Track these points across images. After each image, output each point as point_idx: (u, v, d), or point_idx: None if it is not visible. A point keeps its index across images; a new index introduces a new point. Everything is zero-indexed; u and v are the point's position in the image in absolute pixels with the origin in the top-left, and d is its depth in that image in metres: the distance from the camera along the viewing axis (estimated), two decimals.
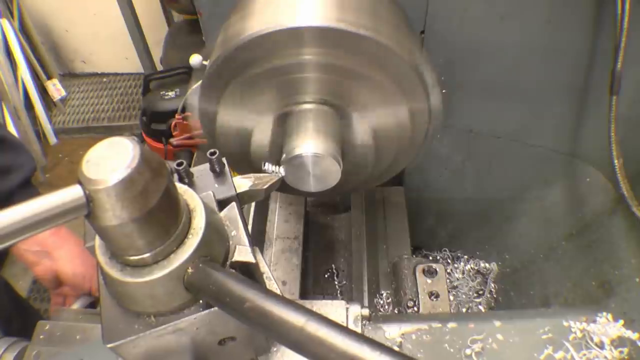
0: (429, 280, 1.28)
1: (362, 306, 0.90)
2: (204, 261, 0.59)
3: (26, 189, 1.34)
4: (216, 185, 0.80)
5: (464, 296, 1.78)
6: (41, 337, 0.94)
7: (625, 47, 1.14)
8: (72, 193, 0.49)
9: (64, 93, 4.41)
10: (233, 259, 0.64)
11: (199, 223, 0.61)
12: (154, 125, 2.99)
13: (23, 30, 4.07)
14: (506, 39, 1.28)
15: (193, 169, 0.81)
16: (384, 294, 1.38)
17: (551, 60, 1.32)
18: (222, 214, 0.71)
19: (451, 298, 1.74)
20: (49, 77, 4.35)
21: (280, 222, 1.47)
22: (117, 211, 0.50)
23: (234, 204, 0.74)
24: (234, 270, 0.63)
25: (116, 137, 0.53)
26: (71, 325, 0.97)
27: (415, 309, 1.25)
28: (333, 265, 1.51)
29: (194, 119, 1.12)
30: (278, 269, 1.35)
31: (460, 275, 1.83)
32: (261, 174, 0.87)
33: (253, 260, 0.64)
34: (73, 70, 4.76)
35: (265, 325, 0.50)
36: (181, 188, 0.64)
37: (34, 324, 0.97)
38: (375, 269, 1.43)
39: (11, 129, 3.78)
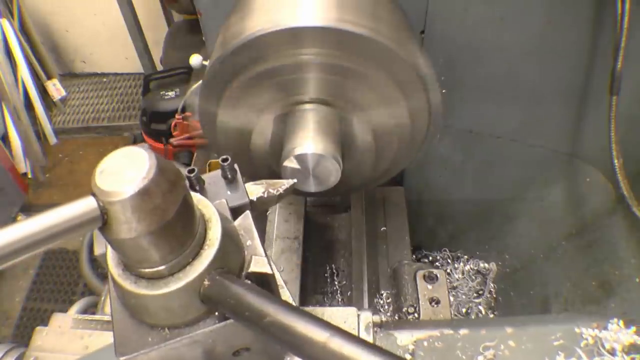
0: (429, 286, 1.28)
1: (374, 312, 0.89)
2: (221, 273, 0.57)
3: None
4: (229, 193, 0.78)
5: (463, 296, 1.78)
6: (39, 342, 0.94)
7: (625, 47, 1.14)
8: (85, 205, 0.47)
9: (64, 93, 4.41)
10: (250, 270, 0.62)
11: (215, 234, 0.59)
12: (154, 125, 2.98)
13: (23, 30, 4.07)
14: (506, 39, 1.28)
15: (204, 176, 0.79)
16: (384, 294, 1.38)
17: (551, 61, 1.32)
18: (236, 223, 0.69)
19: (451, 299, 1.74)
20: (49, 77, 4.35)
21: (280, 222, 1.47)
22: (133, 224, 0.48)
23: (248, 212, 0.72)
24: (250, 282, 0.61)
25: (131, 146, 0.51)
26: (68, 331, 0.97)
27: (416, 315, 1.24)
28: (333, 265, 1.51)
29: (194, 119, 1.12)
30: (278, 269, 1.35)
31: (460, 276, 1.83)
32: (272, 180, 0.85)
33: (270, 272, 0.62)
34: (73, 70, 4.75)
35: (287, 340, 0.49)
36: (195, 197, 0.62)
37: None
38: (375, 269, 1.43)
39: (11, 129, 3.78)
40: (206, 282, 0.57)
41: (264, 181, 0.84)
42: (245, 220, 0.70)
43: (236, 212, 0.72)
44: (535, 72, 1.36)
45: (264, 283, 0.63)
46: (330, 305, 1.41)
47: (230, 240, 0.62)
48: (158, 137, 2.96)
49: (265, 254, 0.67)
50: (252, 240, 0.68)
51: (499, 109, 1.47)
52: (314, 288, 1.47)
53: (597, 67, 1.29)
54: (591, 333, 0.81)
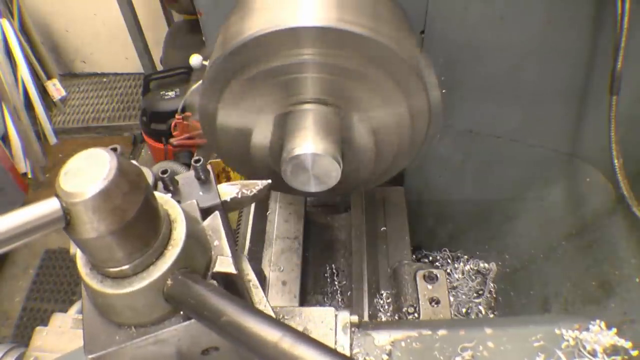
0: (429, 286, 1.28)
1: (351, 313, 0.89)
2: (184, 273, 0.59)
3: None
4: (201, 193, 0.79)
5: (463, 296, 1.78)
6: (39, 342, 0.94)
7: (625, 47, 1.14)
8: (49, 206, 0.49)
9: (64, 93, 4.41)
10: (214, 270, 0.64)
11: (179, 234, 0.60)
12: (154, 125, 2.99)
13: (23, 30, 4.07)
14: (506, 39, 1.28)
15: (178, 177, 0.81)
16: (384, 294, 1.38)
17: (551, 60, 1.32)
18: (205, 223, 0.71)
19: (451, 299, 1.74)
20: (49, 77, 4.35)
21: (280, 222, 1.47)
22: (95, 224, 0.50)
23: (217, 213, 0.73)
24: (214, 282, 0.63)
25: (95, 148, 0.53)
26: (68, 331, 0.97)
27: (416, 314, 1.24)
28: (333, 265, 1.51)
29: (194, 119, 1.12)
30: (278, 269, 1.35)
31: (460, 276, 1.83)
32: (248, 181, 0.85)
33: (234, 271, 0.64)
34: (73, 70, 4.75)
35: (241, 339, 0.51)
36: (162, 198, 0.64)
37: None
38: (375, 269, 1.43)
39: (11, 129, 3.78)
40: (169, 282, 0.58)
41: (238, 182, 0.85)
42: (214, 221, 0.72)
43: (208, 212, 0.74)
44: (535, 72, 1.36)
45: (230, 283, 0.65)
46: (330, 305, 1.41)
47: (196, 241, 0.64)
48: (158, 137, 2.96)
49: (233, 253, 0.68)
50: (219, 240, 0.69)
51: (499, 109, 1.47)
52: (314, 288, 1.47)
53: (597, 67, 1.29)
54: (572, 334, 0.81)
